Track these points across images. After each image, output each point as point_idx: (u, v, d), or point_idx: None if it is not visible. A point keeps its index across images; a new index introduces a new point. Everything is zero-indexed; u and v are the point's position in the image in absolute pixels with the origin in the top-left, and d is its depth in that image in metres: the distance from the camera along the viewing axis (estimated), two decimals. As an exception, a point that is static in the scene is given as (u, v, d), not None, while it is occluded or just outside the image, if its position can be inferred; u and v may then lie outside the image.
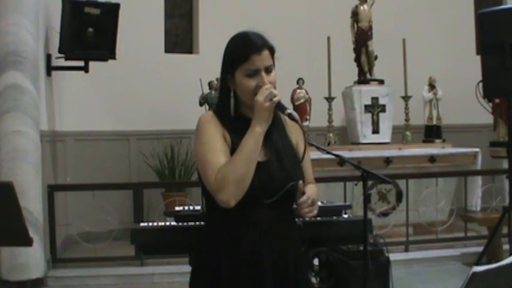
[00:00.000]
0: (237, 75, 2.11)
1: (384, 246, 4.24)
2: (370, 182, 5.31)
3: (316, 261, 3.95)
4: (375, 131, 7.45)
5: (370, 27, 7.64)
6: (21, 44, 5.30)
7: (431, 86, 7.97)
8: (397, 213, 6.62)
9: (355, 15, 7.70)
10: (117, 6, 6.05)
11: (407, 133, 7.73)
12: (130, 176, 7.71)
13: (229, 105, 2.15)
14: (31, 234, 2.91)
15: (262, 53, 2.09)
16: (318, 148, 2.53)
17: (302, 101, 7.62)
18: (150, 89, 7.76)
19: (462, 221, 6.52)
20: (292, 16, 8.22)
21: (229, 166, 2.03)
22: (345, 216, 3.41)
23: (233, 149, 2.09)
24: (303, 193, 2.10)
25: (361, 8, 7.65)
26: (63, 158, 6.88)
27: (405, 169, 6.86)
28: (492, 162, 7.93)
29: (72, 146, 7.30)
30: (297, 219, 2.28)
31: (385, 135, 7.48)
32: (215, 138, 2.11)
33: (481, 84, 4.47)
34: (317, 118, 7.63)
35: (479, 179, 7.01)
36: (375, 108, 7.44)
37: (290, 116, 2.06)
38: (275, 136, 2.16)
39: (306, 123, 7.36)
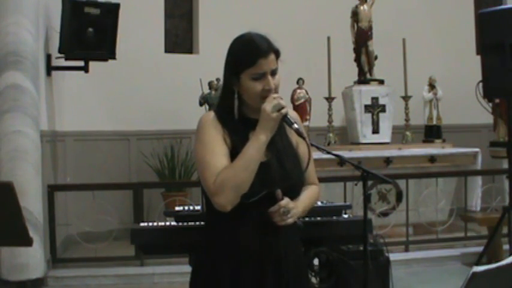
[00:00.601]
0: (243, 78, 2.11)
1: (383, 246, 4.24)
2: (370, 182, 5.30)
3: (316, 261, 3.95)
4: (375, 131, 7.45)
5: (370, 27, 7.64)
6: (21, 44, 5.30)
7: (431, 86, 7.97)
8: (397, 213, 6.61)
9: (355, 15, 7.70)
10: (117, 6, 6.05)
11: (407, 133, 7.74)
12: (130, 176, 7.71)
13: (233, 107, 2.15)
14: (31, 234, 2.92)
15: (268, 57, 2.10)
16: (318, 148, 2.53)
17: (302, 101, 7.62)
18: (150, 89, 7.76)
19: (462, 221, 6.52)
20: (292, 16, 8.21)
21: (229, 171, 2.03)
22: (345, 216, 3.42)
23: (233, 151, 2.10)
24: (281, 200, 2.09)
25: (361, 8, 7.65)
26: (63, 158, 6.88)
27: (405, 169, 6.85)
28: (492, 162, 7.93)
29: (72, 146, 7.30)
30: (297, 219, 2.27)
31: (385, 135, 7.48)
32: (216, 140, 2.11)
33: (481, 84, 4.47)
34: (317, 118, 7.64)
35: (479, 179, 7.01)
36: (375, 108, 7.44)
37: (297, 131, 2.09)
38: (276, 137, 2.16)
39: (306, 123, 7.36)
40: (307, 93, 7.66)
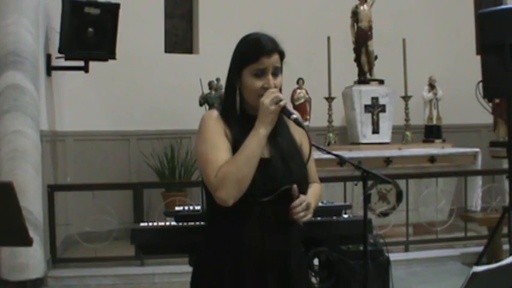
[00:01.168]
0: (245, 74, 2.13)
1: (384, 246, 4.24)
2: (370, 182, 5.31)
3: (316, 261, 3.94)
4: (375, 131, 7.45)
5: (370, 27, 7.64)
6: (21, 44, 5.30)
7: (431, 86, 7.97)
8: (397, 213, 6.61)
9: (355, 15, 7.69)
10: (117, 6, 6.05)
11: (407, 133, 7.73)
12: (130, 176, 7.71)
13: (235, 103, 2.16)
14: (31, 234, 2.91)
15: (272, 56, 2.13)
16: (318, 148, 2.53)
17: (302, 101, 7.62)
18: (150, 89, 7.76)
19: (462, 221, 6.51)
20: (292, 16, 8.21)
21: (230, 165, 2.04)
22: (345, 216, 3.41)
23: (234, 146, 2.11)
24: (297, 197, 2.10)
25: (361, 8, 7.65)
26: (63, 158, 6.88)
27: (405, 169, 6.86)
28: (492, 162, 7.93)
29: (72, 146, 7.30)
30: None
31: (385, 135, 7.48)
32: (217, 136, 2.12)
33: (481, 84, 4.47)
34: (317, 118, 7.64)
35: (479, 179, 7.01)
36: (375, 108, 7.44)
37: (296, 121, 2.10)
38: (280, 134, 2.18)
39: (306, 123, 7.35)
40: (307, 93, 7.66)
